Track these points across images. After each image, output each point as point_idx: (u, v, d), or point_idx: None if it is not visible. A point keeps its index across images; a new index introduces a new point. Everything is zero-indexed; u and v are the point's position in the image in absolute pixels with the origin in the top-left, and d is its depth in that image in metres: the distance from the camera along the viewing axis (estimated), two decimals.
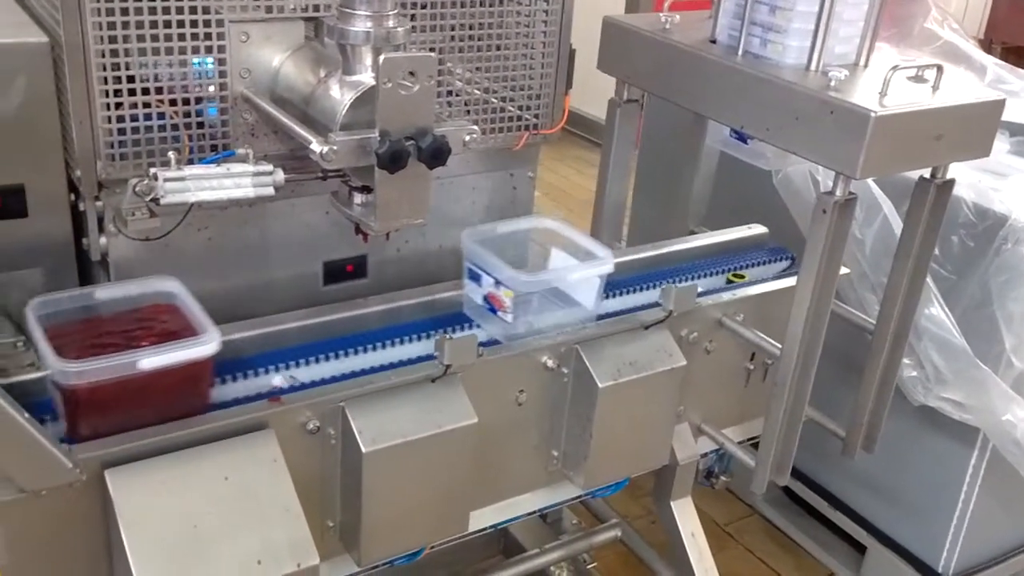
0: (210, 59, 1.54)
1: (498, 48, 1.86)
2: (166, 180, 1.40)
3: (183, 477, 1.38)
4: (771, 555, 2.73)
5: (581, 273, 1.77)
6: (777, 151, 2.22)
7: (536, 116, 1.93)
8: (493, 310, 1.72)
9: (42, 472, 1.23)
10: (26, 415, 1.20)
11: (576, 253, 1.82)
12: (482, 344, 1.62)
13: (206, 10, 1.49)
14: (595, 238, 2.27)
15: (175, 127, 1.53)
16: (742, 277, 2.13)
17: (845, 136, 1.59)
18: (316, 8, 1.59)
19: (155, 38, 1.46)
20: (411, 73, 1.37)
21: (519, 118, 1.92)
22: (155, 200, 1.41)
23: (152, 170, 1.40)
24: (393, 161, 1.38)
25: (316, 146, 1.38)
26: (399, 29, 1.46)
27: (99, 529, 1.36)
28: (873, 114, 1.55)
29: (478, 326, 1.78)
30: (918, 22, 2.83)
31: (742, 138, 1.91)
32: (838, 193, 1.66)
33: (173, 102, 1.52)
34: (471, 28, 1.80)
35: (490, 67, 1.86)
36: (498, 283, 1.69)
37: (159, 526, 1.33)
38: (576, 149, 5.57)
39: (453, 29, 1.77)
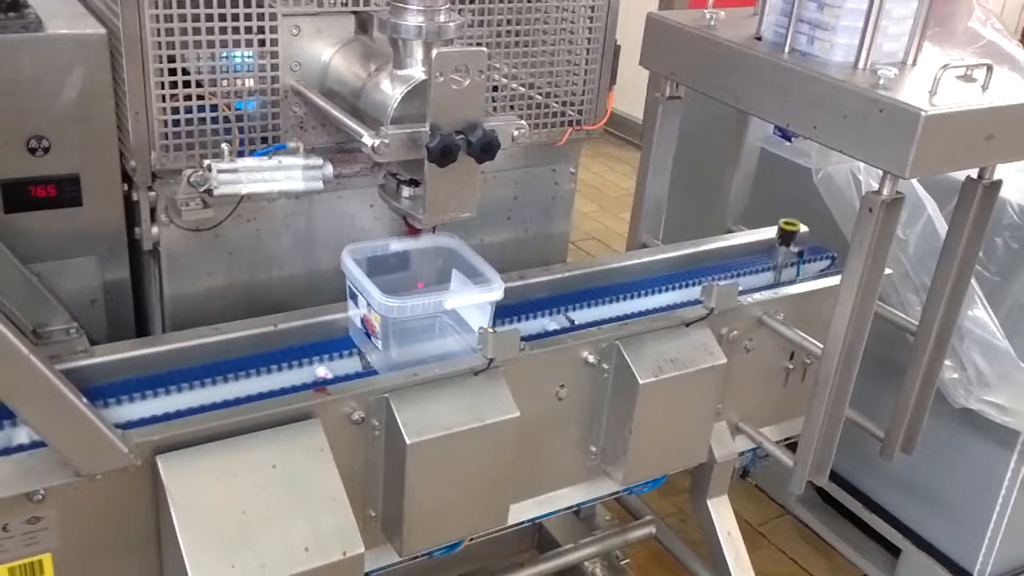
0: (249, 52, 1.55)
1: (543, 44, 1.86)
2: (219, 171, 1.43)
3: (232, 464, 1.39)
4: (803, 556, 2.72)
5: (459, 300, 1.60)
6: (820, 149, 2.21)
7: (579, 112, 1.94)
8: (368, 335, 1.61)
9: (99, 456, 1.26)
10: (84, 400, 1.22)
11: (471, 276, 1.67)
12: (369, 372, 1.56)
13: (259, 3, 1.51)
14: (634, 235, 2.29)
15: (227, 119, 1.55)
16: (794, 225, 2.08)
17: (894, 135, 1.58)
18: (366, 2, 1.61)
19: (210, 31, 1.48)
20: (462, 68, 1.38)
21: (562, 114, 1.92)
22: (208, 191, 1.43)
23: (206, 161, 1.42)
24: (444, 155, 1.39)
25: (368, 139, 1.39)
26: (450, 24, 1.46)
27: (148, 514, 1.39)
28: (923, 113, 1.54)
29: (358, 352, 1.66)
30: (961, 21, 2.80)
31: (786, 136, 1.90)
32: (885, 192, 1.65)
33: (226, 94, 1.54)
34: (517, 24, 1.81)
35: (535, 63, 1.87)
36: (370, 307, 1.56)
37: (209, 511, 1.35)
38: (608, 146, 5.58)
39: (499, 24, 1.78)
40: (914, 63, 1.79)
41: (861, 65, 1.72)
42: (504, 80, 1.87)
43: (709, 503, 2.08)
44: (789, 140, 1.89)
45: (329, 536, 1.39)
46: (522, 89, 1.88)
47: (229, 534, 1.34)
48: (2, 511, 1.26)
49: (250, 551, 1.34)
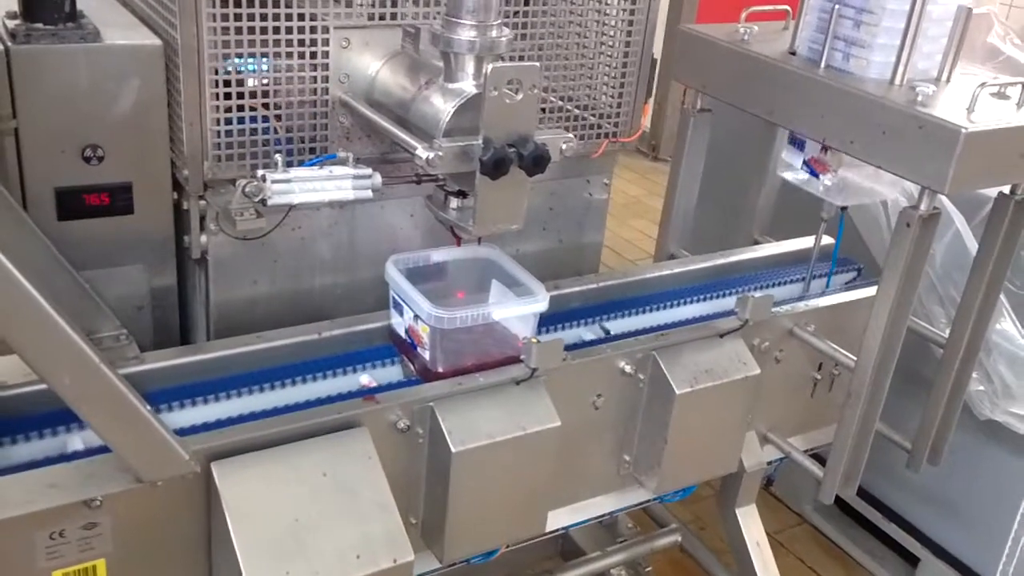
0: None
1: (581, 57, 1.88)
2: (273, 182, 1.44)
3: (284, 471, 1.41)
4: (821, 564, 2.73)
5: (507, 311, 1.61)
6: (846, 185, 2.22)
7: (615, 124, 1.96)
8: (413, 345, 1.63)
9: (161, 463, 1.27)
10: (148, 407, 1.23)
11: (513, 287, 1.70)
12: (411, 382, 1.59)
13: (313, 16, 1.53)
14: (663, 246, 2.31)
15: (277, 130, 1.57)
16: None
17: (934, 151, 1.60)
18: (415, 16, 1.63)
19: (264, 43, 1.50)
20: (516, 82, 1.40)
21: (598, 126, 1.95)
22: (262, 201, 1.44)
23: (260, 172, 1.44)
24: (496, 168, 1.41)
25: (422, 152, 1.41)
26: (502, 39, 1.48)
27: (200, 520, 1.40)
28: (964, 130, 1.57)
29: (399, 360, 1.69)
30: (980, 36, 2.83)
31: (813, 173, 1.91)
32: (923, 207, 1.67)
33: (277, 105, 1.55)
34: (556, 37, 1.83)
35: (572, 76, 1.89)
36: (416, 317, 1.59)
37: (263, 518, 1.36)
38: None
39: (540, 38, 1.80)
40: (948, 80, 1.82)
41: (897, 82, 1.75)
42: (543, 93, 1.89)
43: (738, 512, 2.10)
44: (817, 176, 1.91)
45: (379, 543, 1.41)
46: (559, 102, 1.90)
47: (282, 541, 1.36)
48: (60, 517, 1.27)
49: (303, 558, 1.36)
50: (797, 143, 1.94)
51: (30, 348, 1.10)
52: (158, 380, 1.54)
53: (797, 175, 2.00)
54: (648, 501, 1.97)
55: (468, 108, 1.48)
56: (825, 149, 1.88)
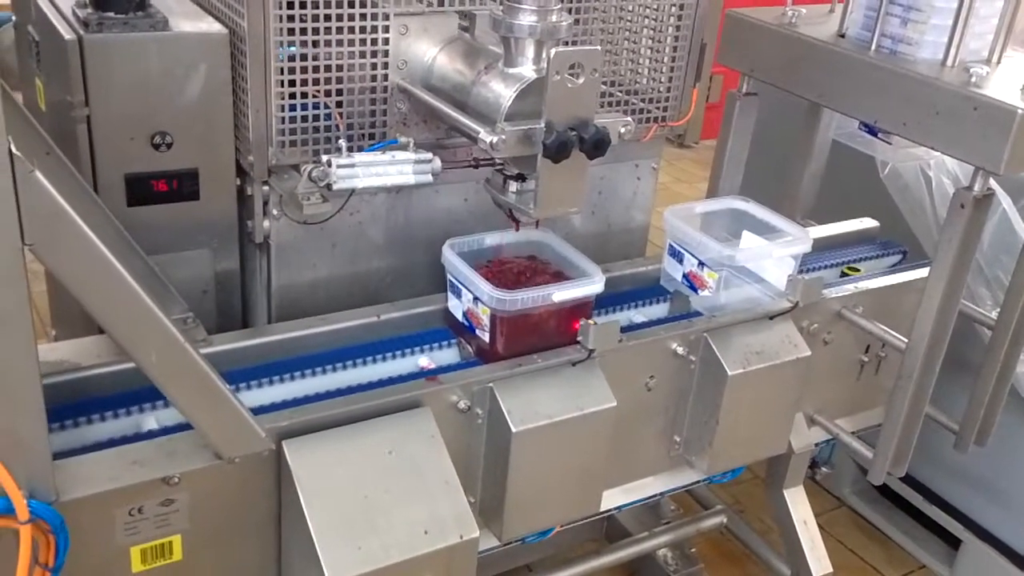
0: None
1: (631, 42, 1.90)
2: (338, 166, 1.47)
3: (352, 450, 1.44)
4: (861, 547, 2.75)
5: (567, 293, 1.63)
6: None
7: (664, 109, 1.97)
8: (471, 327, 1.67)
9: (240, 441, 1.30)
10: (228, 386, 1.27)
11: (571, 272, 1.73)
12: (468, 364, 1.61)
13: (373, 4, 1.55)
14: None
15: (337, 116, 1.59)
16: (857, 271, 2.16)
17: (989, 132, 1.60)
18: (472, 1, 1.65)
19: (327, 31, 1.52)
20: (577, 66, 1.41)
21: (647, 111, 1.96)
22: (328, 186, 1.47)
23: (325, 157, 1.47)
24: (559, 151, 1.42)
25: (485, 136, 1.43)
26: (563, 23, 1.50)
27: (271, 497, 1.43)
28: (1020, 111, 1.57)
29: (455, 343, 1.72)
30: (1021, 20, 2.82)
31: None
32: (976, 188, 1.68)
33: (338, 92, 1.58)
34: (607, 22, 1.84)
35: (623, 60, 1.90)
36: (476, 299, 1.62)
37: (334, 496, 1.40)
38: None
39: (591, 23, 1.81)
40: (999, 61, 1.82)
41: (949, 63, 1.75)
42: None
43: (785, 493, 2.11)
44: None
45: (446, 520, 1.44)
46: (607, 87, 1.92)
47: (353, 517, 1.39)
48: (139, 494, 1.31)
49: (374, 534, 1.39)
50: (676, 255, 1.93)
51: (121, 327, 1.13)
52: (225, 362, 1.57)
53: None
54: (698, 482, 1.99)
55: (528, 93, 1.50)
56: (702, 265, 1.85)
